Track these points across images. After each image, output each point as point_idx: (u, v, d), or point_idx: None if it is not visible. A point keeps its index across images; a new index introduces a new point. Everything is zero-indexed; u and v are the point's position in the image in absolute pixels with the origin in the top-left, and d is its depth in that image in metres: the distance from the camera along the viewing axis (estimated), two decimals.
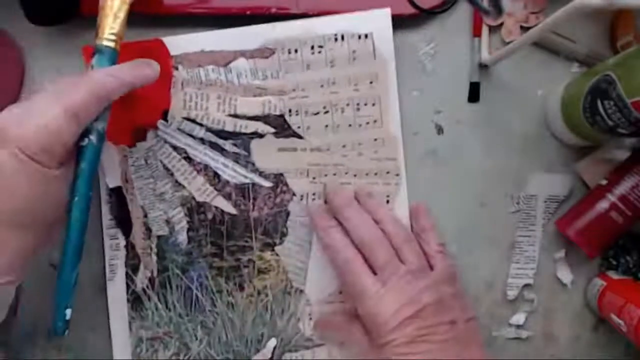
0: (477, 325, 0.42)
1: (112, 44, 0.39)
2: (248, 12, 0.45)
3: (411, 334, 0.39)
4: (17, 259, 0.36)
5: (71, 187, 0.38)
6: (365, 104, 0.45)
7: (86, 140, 0.38)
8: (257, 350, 0.47)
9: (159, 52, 0.45)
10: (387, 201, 0.46)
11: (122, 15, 0.39)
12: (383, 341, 0.40)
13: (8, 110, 0.35)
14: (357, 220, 0.43)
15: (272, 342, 0.47)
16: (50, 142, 0.34)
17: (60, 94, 0.35)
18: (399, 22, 0.45)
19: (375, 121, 0.45)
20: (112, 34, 0.39)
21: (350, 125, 0.46)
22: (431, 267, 0.43)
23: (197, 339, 0.47)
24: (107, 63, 0.39)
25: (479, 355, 0.41)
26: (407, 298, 0.40)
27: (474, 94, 0.47)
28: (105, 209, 0.46)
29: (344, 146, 0.46)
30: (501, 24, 0.46)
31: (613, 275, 0.46)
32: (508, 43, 0.46)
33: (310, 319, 0.47)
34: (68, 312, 0.40)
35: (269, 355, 0.47)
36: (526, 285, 0.47)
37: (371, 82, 0.45)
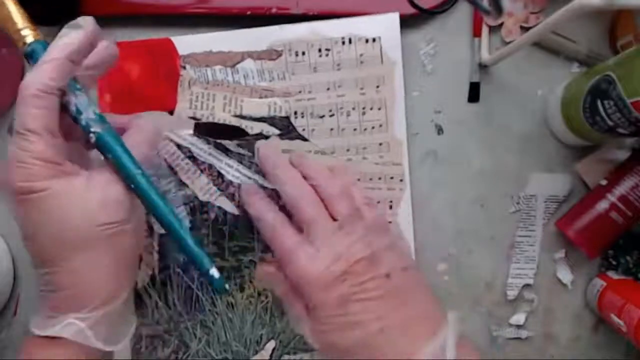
0: (416, 273, 0.39)
1: (30, 38, 0.35)
2: (249, 12, 0.45)
3: (342, 293, 0.36)
4: (110, 274, 0.35)
5: (123, 178, 0.35)
6: (371, 108, 0.45)
7: (92, 136, 0.35)
8: (256, 351, 0.47)
9: (167, 51, 0.45)
10: (390, 206, 0.46)
11: (13, 8, 0.35)
12: (315, 306, 0.37)
13: None
14: (284, 178, 0.40)
15: (271, 344, 0.47)
16: (22, 169, 0.32)
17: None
18: (399, 22, 0.45)
19: (380, 125, 0.45)
20: (24, 28, 0.35)
21: (355, 129, 0.46)
22: None
23: (196, 337, 0.47)
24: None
25: (424, 303, 0.38)
26: (336, 254, 0.37)
27: (474, 94, 0.47)
28: None
29: (348, 150, 0.46)
30: (501, 24, 0.46)
31: (613, 275, 0.46)
32: (508, 43, 0.46)
33: None
34: (214, 271, 0.36)
35: (268, 357, 0.47)
36: (526, 285, 0.47)
37: (378, 86, 0.45)
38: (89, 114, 0.35)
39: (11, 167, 0.32)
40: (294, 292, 0.39)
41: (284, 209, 0.41)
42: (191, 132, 0.46)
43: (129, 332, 0.37)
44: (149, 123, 0.39)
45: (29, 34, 0.35)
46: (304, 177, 0.41)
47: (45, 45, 0.35)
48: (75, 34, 0.34)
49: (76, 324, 0.33)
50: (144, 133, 0.38)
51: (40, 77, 0.33)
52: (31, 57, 0.35)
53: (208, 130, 0.46)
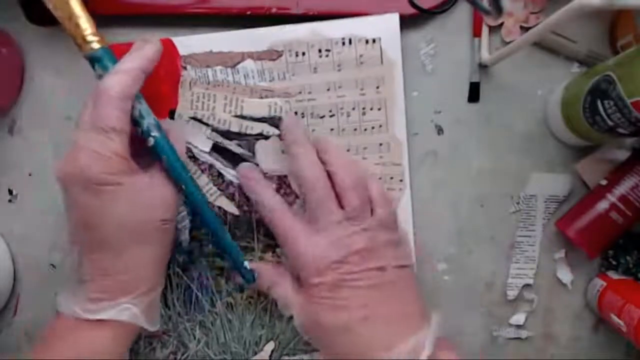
0: (411, 273, 0.42)
1: (98, 44, 0.39)
2: (249, 12, 0.45)
3: (336, 278, 0.38)
4: (157, 264, 0.40)
5: (173, 181, 0.40)
6: (372, 109, 0.45)
7: (151, 139, 0.39)
8: (255, 352, 0.47)
9: (169, 52, 0.45)
10: None
11: (83, 13, 0.39)
12: (309, 284, 0.39)
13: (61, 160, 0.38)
14: (302, 158, 0.42)
15: (270, 346, 0.47)
16: (103, 162, 0.36)
17: (89, 118, 0.37)
18: (399, 23, 0.45)
19: (380, 126, 0.45)
20: (90, 34, 0.39)
21: (355, 129, 0.46)
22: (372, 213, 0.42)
23: (195, 338, 0.47)
24: (110, 63, 0.39)
25: (412, 302, 0.40)
26: (337, 242, 0.39)
27: (474, 94, 0.47)
28: None
29: (348, 150, 0.46)
30: (501, 24, 0.46)
31: (613, 275, 0.46)
32: (508, 43, 0.46)
33: None
34: (247, 264, 0.43)
35: (267, 358, 0.47)
36: (526, 285, 0.47)
37: (378, 87, 0.45)
38: (150, 120, 0.39)
39: (88, 159, 0.36)
40: (281, 276, 0.42)
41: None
42: (208, 150, 0.46)
43: (159, 318, 0.42)
44: (182, 131, 0.44)
45: (94, 40, 0.39)
46: (323, 162, 0.42)
47: (110, 51, 0.39)
48: (149, 48, 0.39)
49: (131, 308, 0.38)
50: (178, 141, 0.42)
51: (122, 82, 0.37)
52: (98, 61, 0.39)
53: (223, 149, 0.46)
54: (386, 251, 0.40)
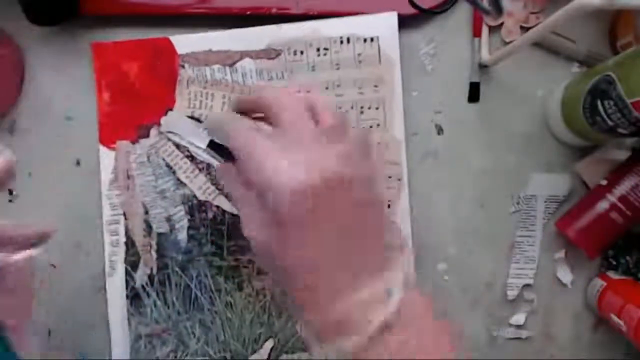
0: (382, 209, 0.36)
1: None
2: (248, 12, 0.45)
3: (310, 206, 0.32)
4: None
5: None
6: (370, 107, 0.45)
7: None
8: (254, 350, 0.47)
9: (166, 50, 0.45)
10: (389, 206, 0.46)
11: None
12: (280, 213, 0.33)
13: None
14: (266, 91, 0.37)
15: (269, 344, 0.47)
16: None
17: None
18: (399, 22, 0.45)
19: (379, 125, 0.45)
20: None
21: (353, 128, 0.45)
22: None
23: (195, 336, 0.47)
24: None
25: (382, 241, 0.35)
26: (310, 163, 0.33)
27: (474, 94, 0.47)
28: (105, 205, 0.46)
29: None
30: (501, 24, 0.46)
31: (613, 275, 0.46)
32: (508, 43, 0.46)
33: None
34: None
35: (266, 356, 0.47)
36: (526, 285, 0.47)
37: (376, 86, 0.45)
38: None
39: None
40: (255, 198, 0.35)
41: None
42: (204, 148, 0.46)
43: None
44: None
45: None
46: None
47: None
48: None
49: None
50: None
51: None
52: None
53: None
54: (360, 182, 0.34)
